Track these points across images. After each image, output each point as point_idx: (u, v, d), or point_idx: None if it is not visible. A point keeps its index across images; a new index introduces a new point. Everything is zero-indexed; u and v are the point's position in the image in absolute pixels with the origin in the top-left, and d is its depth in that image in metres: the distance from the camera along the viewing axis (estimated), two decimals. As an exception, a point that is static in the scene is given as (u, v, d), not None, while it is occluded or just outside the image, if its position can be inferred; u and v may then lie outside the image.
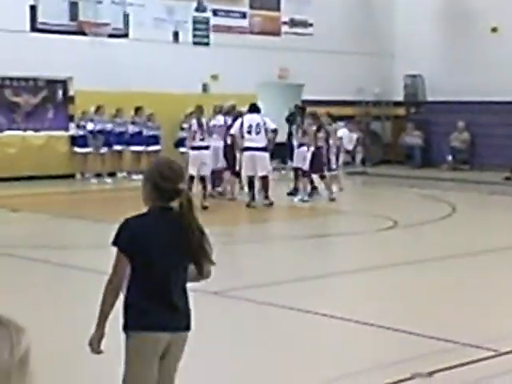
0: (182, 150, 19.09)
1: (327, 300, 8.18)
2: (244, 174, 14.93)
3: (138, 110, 20.03)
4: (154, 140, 20.33)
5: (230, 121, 15.70)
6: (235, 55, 21.98)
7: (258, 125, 14.64)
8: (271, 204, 14.78)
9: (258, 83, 22.32)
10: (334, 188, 16.06)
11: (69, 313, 7.56)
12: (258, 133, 14.57)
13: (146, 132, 20.25)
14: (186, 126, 16.74)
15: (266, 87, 22.75)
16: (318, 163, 15.38)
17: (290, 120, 23.96)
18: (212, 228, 12.69)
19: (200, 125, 14.62)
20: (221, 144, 15.58)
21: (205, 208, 13.69)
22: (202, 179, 14.60)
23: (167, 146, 20.23)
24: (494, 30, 23.14)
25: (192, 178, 14.17)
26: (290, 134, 23.77)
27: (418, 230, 12.99)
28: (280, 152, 23.81)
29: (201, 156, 14.49)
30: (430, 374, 5.76)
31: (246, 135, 14.58)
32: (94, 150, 19.61)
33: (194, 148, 14.62)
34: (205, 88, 21.90)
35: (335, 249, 11.38)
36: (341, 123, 23.36)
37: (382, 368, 5.99)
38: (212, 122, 15.52)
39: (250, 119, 14.76)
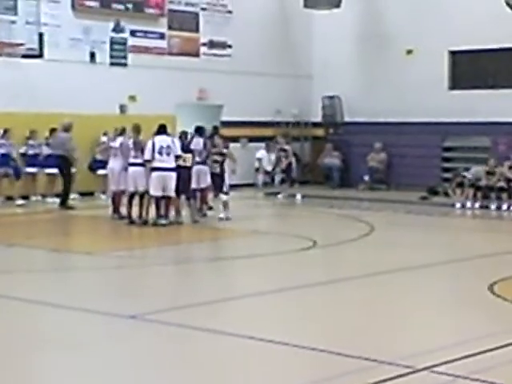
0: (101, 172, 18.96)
1: (244, 321, 8.06)
2: (152, 194, 15.07)
3: (52, 131, 19.60)
4: None
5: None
6: (153, 76, 21.80)
7: (168, 146, 15.00)
8: (180, 223, 15.25)
9: (177, 104, 22.19)
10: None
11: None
12: (168, 154, 14.94)
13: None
14: (113, 144, 16.58)
15: (185, 108, 22.63)
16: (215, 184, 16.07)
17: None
18: (128, 251, 12.45)
19: (135, 144, 15.34)
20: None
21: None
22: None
23: (80, 169, 19.85)
24: (410, 52, 23.61)
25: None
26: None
27: (337, 249, 13.03)
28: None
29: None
30: (349, 392, 5.71)
31: (157, 156, 14.91)
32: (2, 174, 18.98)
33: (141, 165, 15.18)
34: (122, 109, 21.64)
35: (254, 270, 11.27)
36: (260, 144, 23.50)
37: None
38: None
39: (161, 140, 15.05)
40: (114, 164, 16.03)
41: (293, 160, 21.86)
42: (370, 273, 10.54)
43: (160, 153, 14.88)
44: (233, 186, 18.18)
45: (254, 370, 6.43)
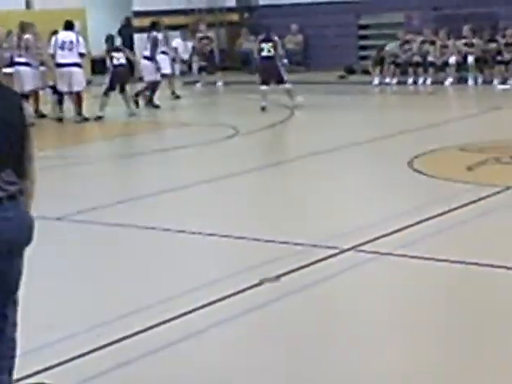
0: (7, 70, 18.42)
1: (171, 214, 8.06)
2: (59, 89, 15.19)
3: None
4: None
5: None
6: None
7: (70, 42, 14.92)
8: (86, 119, 15.04)
9: (85, -4, 21.39)
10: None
11: None
12: (70, 49, 14.88)
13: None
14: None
15: (95, 0, 21.84)
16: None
17: (121, 33, 23.24)
18: (45, 151, 12.19)
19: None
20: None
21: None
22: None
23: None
24: None
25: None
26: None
27: (259, 135, 13.02)
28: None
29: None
30: (278, 277, 5.81)
31: (59, 51, 14.88)
32: None
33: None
34: (28, 4, 20.75)
35: (179, 162, 11.21)
36: (175, 33, 22.92)
37: (230, 277, 5.98)
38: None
39: (64, 36, 14.99)
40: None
41: (214, 47, 21.45)
42: (291, 158, 10.61)
43: (62, 48, 14.84)
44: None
45: (184, 263, 6.47)
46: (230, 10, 24.90)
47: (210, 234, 7.09)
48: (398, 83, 18.77)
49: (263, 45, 15.64)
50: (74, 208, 8.25)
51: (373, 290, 5.72)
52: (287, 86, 15.54)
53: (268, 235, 6.89)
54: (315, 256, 6.24)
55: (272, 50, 15.49)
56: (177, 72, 22.73)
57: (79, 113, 15.08)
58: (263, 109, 15.12)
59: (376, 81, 19.15)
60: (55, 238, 7.24)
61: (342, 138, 11.79)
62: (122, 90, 15.56)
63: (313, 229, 7.16)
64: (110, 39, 16.05)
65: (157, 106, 16.38)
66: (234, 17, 25.00)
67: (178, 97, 17.77)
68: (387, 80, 19.10)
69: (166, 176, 10.24)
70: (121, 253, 6.88)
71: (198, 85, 20.77)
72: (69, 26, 15.17)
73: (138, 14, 22.75)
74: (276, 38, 15.81)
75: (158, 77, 16.53)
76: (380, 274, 6.04)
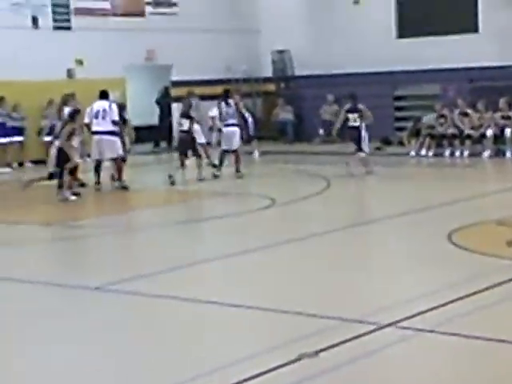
0: (47, 138, 18.81)
1: (209, 286, 8.05)
2: (92, 158, 15.62)
3: (0, 100, 19.25)
4: (17, 131, 19.83)
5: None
6: (99, 38, 21.38)
7: (104, 110, 15.25)
8: (125, 188, 15.14)
9: (125, 66, 21.84)
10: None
11: None
12: (103, 117, 15.18)
13: (10, 123, 19.65)
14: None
15: (134, 70, 22.31)
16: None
17: (159, 102, 23.65)
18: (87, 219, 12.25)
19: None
20: None
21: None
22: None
23: (29, 136, 19.77)
24: (357, 2, 23.50)
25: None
26: (161, 116, 23.51)
27: (296, 206, 13.02)
28: (152, 135, 23.50)
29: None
30: (317, 352, 5.73)
31: (94, 120, 15.29)
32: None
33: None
34: (70, 74, 21.23)
35: (214, 232, 11.23)
36: (213, 102, 23.22)
37: (268, 352, 5.92)
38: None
39: (98, 105, 15.38)
40: None
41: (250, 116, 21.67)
42: (329, 229, 10.56)
43: (96, 117, 15.21)
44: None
45: (222, 336, 6.42)
46: (267, 79, 25.25)
47: (248, 307, 7.04)
48: (435, 155, 18.77)
49: (350, 115, 15.89)
50: (113, 277, 8.28)
51: (412, 368, 5.62)
52: (362, 154, 15.85)
53: (307, 309, 6.83)
54: (354, 331, 6.16)
55: (358, 119, 15.73)
56: (214, 141, 23.01)
57: (117, 179, 15.21)
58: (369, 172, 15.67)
59: (412, 152, 19.17)
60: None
61: (379, 211, 11.78)
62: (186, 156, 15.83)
63: (352, 303, 7.09)
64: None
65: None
66: (271, 87, 25.33)
67: (214, 166, 17.86)
68: (423, 152, 19.11)
69: (204, 246, 10.26)
70: (158, 325, 6.85)
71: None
72: (103, 95, 15.52)
73: (176, 83, 23.16)
74: (362, 107, 16.00)
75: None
76: (419, 351, 5.94)
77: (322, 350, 5.77)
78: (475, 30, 21.98)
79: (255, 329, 6.66)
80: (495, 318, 6.53)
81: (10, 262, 9.67)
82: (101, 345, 6.33)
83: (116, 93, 18.02)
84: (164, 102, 23.33)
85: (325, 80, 23.30)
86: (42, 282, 8.29)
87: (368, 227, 10.66)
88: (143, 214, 13.44)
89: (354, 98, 16.34)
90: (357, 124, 15.83)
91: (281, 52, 24.60)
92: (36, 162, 19.78)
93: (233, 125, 16.54)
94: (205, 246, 10.34)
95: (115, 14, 22.43)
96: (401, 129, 21.67)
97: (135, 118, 18.89)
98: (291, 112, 24.15)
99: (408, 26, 23.05)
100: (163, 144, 23.07)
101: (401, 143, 20.53)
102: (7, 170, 19.23)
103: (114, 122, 15.19)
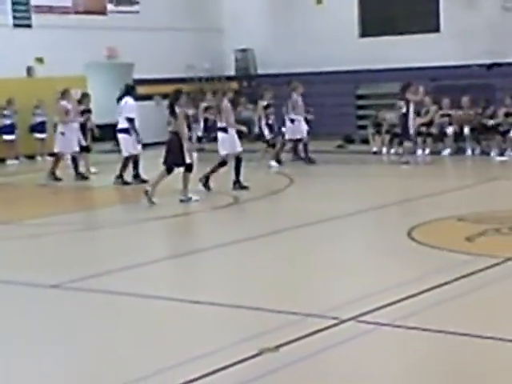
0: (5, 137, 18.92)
1: (167, 283, 8.01)
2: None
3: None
4: None
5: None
6: (60, 36, 21.20)
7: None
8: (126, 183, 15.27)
9: (86, 64, 21.67)
10: None
11: None
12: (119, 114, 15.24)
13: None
14: None
15: (95, 68, 22.14)
16: None
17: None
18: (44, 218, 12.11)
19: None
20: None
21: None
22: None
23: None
24: (319, 1, 23.59)
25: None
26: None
27: (258, 204, 13.03)
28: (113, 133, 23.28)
29: None
30: (277, 347, 5.73)
31: None
32: None
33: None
34: (29, 72, 21.01)
35: (178, 230, 11.18)
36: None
37: (229, 347, 5.90)
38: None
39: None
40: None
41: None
42: (290, 226, 10.57)
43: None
44: (147, 145, 17.99)
45: (182, 333, 6.39)
46: (229, 78, 25.23)
47: (208, 303, 7.02)
48: (396, 153, 18.90)
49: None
50: (71, 275, 8.19)
51: (372, 361, 5.64)
52: None
53: (268, 305, 6.82)
54: (315, 326, 6.17)
55: None
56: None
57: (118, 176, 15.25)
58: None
59: (375, 148, 19.31)
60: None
61: (340, 208, 11.80)
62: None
63: (312, 298, 7.10)
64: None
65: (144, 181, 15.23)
66: (233, 85, 25.31)
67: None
68: (384, 150, 19.24)
69: (164, 244, 10.21)
70: (116, 322, 6.80)
71: (195, 154, 20.82)
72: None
73: (138, 81, 23.02)
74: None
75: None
76: (379, 345, 5.97)
77: (282, 345, 5.77)
78: (437, 29, 22.18)
79: (216, 324, 6.64)
80: (454, 312, 6.58)
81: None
82: (57, 343, 6.26)
83: (78, 91, 17.91)
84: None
85: (287, 79, 23.23)
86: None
87: (329, 224, 10.68)
88: (102, 212, 13.35)
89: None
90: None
91: (244, 51, 24.60)
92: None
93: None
94: (164, 244, 10.28)
95: (76, 12, 22.25)
96: (363, 127, 21.79)
97: (96, 116, 18.73)
98: (254, 110, 24.12)
99: (370, 26, 23.19)
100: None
101: (364, 141, 20.64)
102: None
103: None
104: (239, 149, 14.00)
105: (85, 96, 17.06)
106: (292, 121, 17.72)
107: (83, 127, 16.80)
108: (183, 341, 6.15)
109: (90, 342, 6.27)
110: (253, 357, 5.58)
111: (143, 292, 7.47)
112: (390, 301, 6.72)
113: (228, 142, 13.88)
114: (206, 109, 21.73)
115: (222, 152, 13.93)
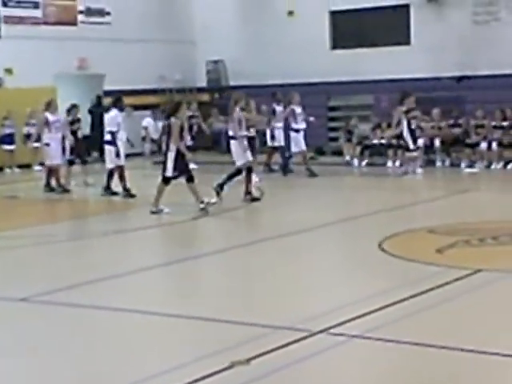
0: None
1: (136, 295, 7.94)
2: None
3: None
4: None
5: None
6: (30, 47, 21.04)
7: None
8: (114, 194, 15.31)
9: (56, 75, 21.53)
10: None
11: None
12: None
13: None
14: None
15: (65, 79, 21.99)
16: None
17: (92, 111, 23.37)
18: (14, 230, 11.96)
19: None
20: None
21: None
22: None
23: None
24: (291, 13, 23.67)
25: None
26: (92, 126, 23.19)
27: (230, 215, 12.99)
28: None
29: None
30: (249, 360, 5.70)
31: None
32: None
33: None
34: (-2, 82, 20.88)
35: (146, 242, 11.10)
36: (146, 112, 23.09)
37: (200, 360, 5.86)
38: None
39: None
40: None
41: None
42: (261, 238, 10.56)
43: None
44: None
45: (152, 345, 6.33)
46: (201, 89, 25.21)
47: (178, 316, 6.97)
48: (368, 164, 18.97)
49: None
50: (40, 289, 8.10)
51: (343, 373, 5.63)
52: None
53: (239, 317, 6.79)
54: (286, 339, 6.14)
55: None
56: (147, 151, 22.84)
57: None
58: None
59: (348, 157, 19.41)
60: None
61: (311, 220, 11.80)
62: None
63: (284, 310, 7.07)
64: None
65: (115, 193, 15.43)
66: (205, 97, 25.30)
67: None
68: (356, 162, 19.31)
69: (132, 257, 10.12)
70: (84, 336, 6.71)
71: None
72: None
73: (108, 93, 22.92)
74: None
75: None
76: (351, 357, 5.96)
77: (253, 358, 5.74)
78: (407, 42, 22.35)
79: (186, 337, 6.59)
80: (424, 324, 6.60)
81: None
82: (24, 357, 6.16)
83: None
84: (96, 112, 23.05)
85: (259, 90, 23.26)
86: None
87: (299, 236, 10.68)
88: (75, 224, 13.24)
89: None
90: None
91: (215, 62, 24.61)
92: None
93: None
94: (134, 256, 10.18)
95: (46, 23, 22.12)
96: (334, 139, 21.85)
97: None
98: (225, 122, 24.10)
99: (342, 38, 23.31)
100: (94, 154, 22.70)
101: (335, 153, 20.69)
102: None
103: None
104: (250, 158, 14.03)
105: (73, 107, 16.91)
106: (296, 131, 17.81)
107: (76, 138, 16.80)
108: (154, 354, 6.09)
109: (57, 356, 6.18)
110: (224, 369, 5.54)
111: (112, 305, 7.40)
112: (361, 313, 6.72)
113: (241, 151, 13.93)
114: (190, 118, 21.65)
115: (238, 162, 13.94)
